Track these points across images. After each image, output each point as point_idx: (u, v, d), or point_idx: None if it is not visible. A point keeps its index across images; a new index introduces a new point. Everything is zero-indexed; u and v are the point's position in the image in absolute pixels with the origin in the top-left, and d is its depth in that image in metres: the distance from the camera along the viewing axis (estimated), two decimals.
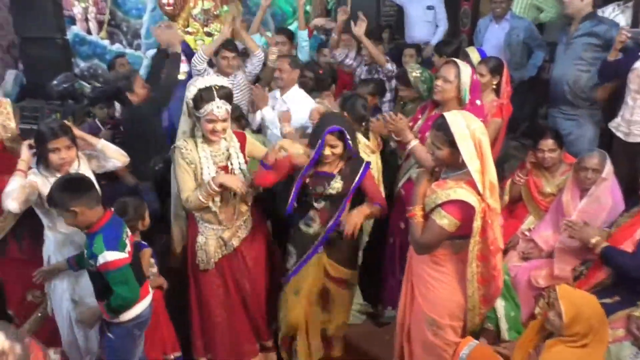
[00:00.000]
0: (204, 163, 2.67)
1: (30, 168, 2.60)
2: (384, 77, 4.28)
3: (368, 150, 3.22)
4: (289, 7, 6.48)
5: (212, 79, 2.65)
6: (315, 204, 2.78)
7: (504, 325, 2.91)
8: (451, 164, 2.24)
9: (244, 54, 4.41)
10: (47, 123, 2.65)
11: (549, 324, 2.23)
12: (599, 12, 4.17)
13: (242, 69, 4.19)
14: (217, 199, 2.70)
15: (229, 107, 2.62)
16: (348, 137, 2.66)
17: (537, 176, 3.40)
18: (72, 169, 2.64)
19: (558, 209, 3.16)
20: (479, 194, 2.14)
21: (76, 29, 6.32)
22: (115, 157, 2.86)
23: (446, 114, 2.22)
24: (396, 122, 2.97)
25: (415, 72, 3.57)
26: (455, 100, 2.99)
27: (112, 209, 2.44)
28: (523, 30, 4.85)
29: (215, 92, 2.55)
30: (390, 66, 4.28)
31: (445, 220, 2.16)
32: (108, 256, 2.21)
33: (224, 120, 2.62)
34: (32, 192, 2.53)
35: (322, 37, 6.04)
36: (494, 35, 4.97)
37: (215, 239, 2.82)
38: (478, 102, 3.00)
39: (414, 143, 2.94)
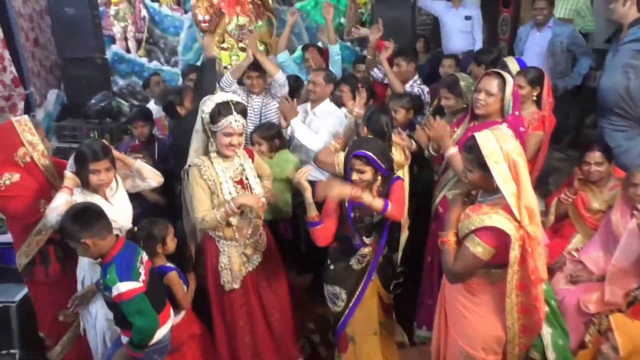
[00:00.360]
0: (222, 178, 2.69)
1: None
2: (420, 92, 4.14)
3: (395, 165, 3.10)
4: (324, 19, 6.43)
5: (228, 95, 2.73)
6: (366, 240, 2.70)
7: (551, 355, 2.67)
8: (485, 187, 2.10)
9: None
10: (88, 144, 2.68)
11: (603, 358, 2.04)
12: None
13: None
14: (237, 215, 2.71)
15: (244, 121, 2.68)
16: (377, 160, 2.55)
17: (584, 191, 3.19)
18: (111, 190, 2.72)
19: (608, 228, 2.95)
20: (516, 220, 1.99)
21: (115, 48, 6.45)
22: (151, 177, 2.92)
23: (477, 135, 2.07)
24: (439, 126, 2.86)
25: (465, 81, 3.36)
26: (497, 113, 2.86)
27: (124, 237, 2.44)
28: (567, 37, 4.67)
29: (232, 107, 2.61)
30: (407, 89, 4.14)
31: (479, 248, 2.02)
32: (122, 287, 2.19)
33: (240, 135, 2.68)
34: None
35: (357, 49, 5.97)
36: (535, 43, 4.79)
37: (238, 256, 2.80)
38: (517, 112, 2.84)
39: (453, 151, 2.83)
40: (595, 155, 3.09)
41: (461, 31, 5.54)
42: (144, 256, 2.38)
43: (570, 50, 4.69)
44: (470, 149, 2.08)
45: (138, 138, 3.99)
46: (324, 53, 4.93)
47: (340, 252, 2.76)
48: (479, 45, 5.53)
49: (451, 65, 4.59)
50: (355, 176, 2.57)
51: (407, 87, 4.13)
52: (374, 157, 2.54)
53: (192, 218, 2.73)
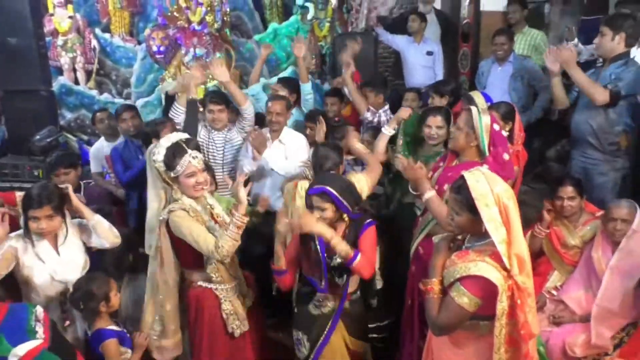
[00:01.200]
0: (206, 217, 2.52)
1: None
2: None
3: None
4: (282, 52, 6.35)
5: (174, 135, 2.54)
6: (338, 280, 2.52)
7: None
8: (473, 232, 1.99)
9: None
10: (34, 186, 2.50)
11: None
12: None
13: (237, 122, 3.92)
14: None
15: (201, 156, 2.53)
16: (338, 196, 2.40)
17: (557, 226, 3.14)
18: (60, 238, 2.53)
19: (588, 265, 2.90)
20: (505, 269, 1.85)
21: (63, 80, 6.09)
22: (106, 236, 2.63)
23: (465, 174, 1.96)
24: (415, 170, 2.72)
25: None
26: (473, 151, 2.75)
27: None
28: (527, 71, 4.75)
29: (184, 145, 2.44)
30: (369, 115, 4.16)
31: (464, 299, 1.89)
32: (19, 351, 1.94)
33: (203, 170, 2.53)
34: (10, 258, 2.41)
35: (317, 82, 5.88)
36: (498, 78, 4.83)
37: (237, 298, 2.67)
38: (506, 156, 2.69)
39: (430, 194, 2.66)
40: (568, 190, 3.06)
41: (423, 66, 5.56)
42: (39, 313, 2.10)
43: (531, 85, 4.75)
44: (459, 189, 1.96)
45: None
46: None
47: (304, 295, 2.61)
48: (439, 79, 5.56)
49: (414, 98, 4.55)
50: (316, 214, 2.41)
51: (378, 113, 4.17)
52: (335, 192, 2.38)
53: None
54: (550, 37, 5.67)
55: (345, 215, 2.51)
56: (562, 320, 2.89)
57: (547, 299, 3.03)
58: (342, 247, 2.38)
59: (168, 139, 2.49)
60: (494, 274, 1.84)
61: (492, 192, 1.86)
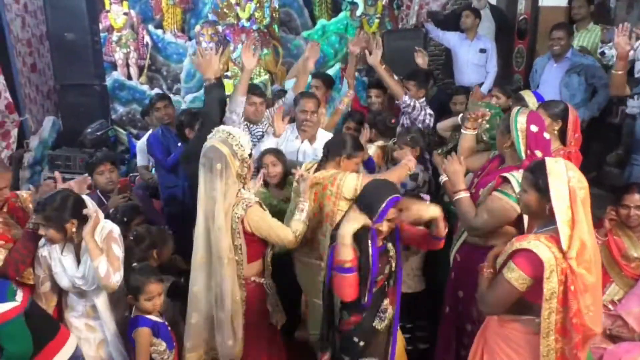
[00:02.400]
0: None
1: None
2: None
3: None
4: (330, 49, 6.28)
5: (229, 128, 2.58)
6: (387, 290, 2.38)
7: None
8: (538, 214, 2.00)
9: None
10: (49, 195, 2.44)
11: None
12: None
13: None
14: None
15: None
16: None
17: (617, 236, 2.92)
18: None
19: None
20: (561, 251, 1.82)
21: (116, 74, 6.29)
22: (99, 279, 2.40)
23: (547, 158, 2.00)
24: (453, 162, 2.62)
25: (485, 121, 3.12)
26: (510, 153, 2.60)
27: None
28: (586, 68, 4.41)
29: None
30: (407, 99, 3.84)
31: (514, 274, 1.89)
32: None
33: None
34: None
35: (365, 79, 5.78)
36: (552, 76, 4.55)
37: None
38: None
39: (462, 195, 2.56)
40: (635, 198, 2.81)
41: (475, 64, 5.33)
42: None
43: (589, 83, 4.43)
44: (533, 168, 2.01)
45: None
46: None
47: (366, 319, 2.32)
48: (490, 78, 5.34)
49: (463, 101, 4.34)
50: (386, 227, 2.26)
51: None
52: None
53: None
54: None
55: None
56: (619, 336, 2.68)
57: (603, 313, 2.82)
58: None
59: (232, 128, 2.56)
60: (544, 251, 1.84)
61: (567, 174, 1.89)
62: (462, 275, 2.75)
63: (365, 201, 2.25)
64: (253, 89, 3.73)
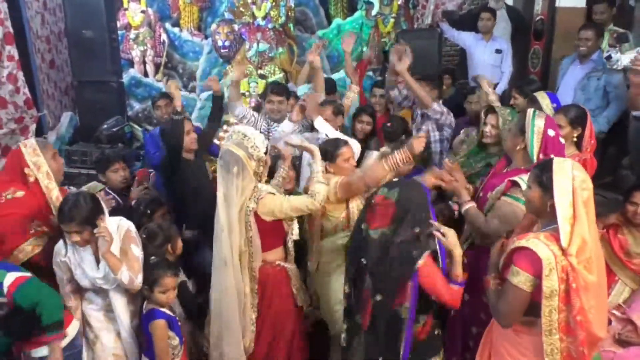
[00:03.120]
0: None
1: None
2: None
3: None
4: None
5: (242, 127, 2.72)
6: None
7: None
8: (540, 211, 2.00)
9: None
10: (69, 200, 2.46)
11: None
12: None
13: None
14: None
15: None
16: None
17: (622, 234, 2.90)
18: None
19: None
20: (561, 248, 1.82)
21: (133, 72, 6.36)
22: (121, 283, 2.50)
23: (555, 158, 2.04)
24: (452, 181, 2.68)
25: (505, 114, 3.10)
26: (521, 155, 2.59)
27: None
28: (606, 72, 4.27)
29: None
30: (437, 107, 3.86)
31: (519, 277, 1.89)
32: (10, 277, 2.21)
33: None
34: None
35: (379, 79, 5.78)
36: (573, 78, 4.43)
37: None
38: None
39: (468, 206, 2.62)
40: None
41: (490, 64, 5.30)
42: None
43: (607, 92, 4.27)
44: (540, 166, 2.03)
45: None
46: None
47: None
48: (505, 78, 5.30)
49: (477, 101, 4.33)
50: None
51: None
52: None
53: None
54: (635, 36, 5.21)
55: None
56: (629, 341, 2.65)
57: (611, 317, 2.79)
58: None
59: (247, 129, 2.64)
60: (542, 249, 1.84)
61: (572, 172, 1.90)
62: (468, 277, 2.74)
63: (417, 216, 2.12)
64: (272, 88, 3.76)
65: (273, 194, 2.62)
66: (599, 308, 1.88)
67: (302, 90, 4.72)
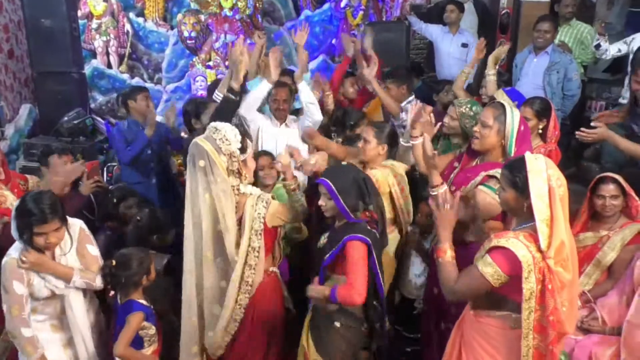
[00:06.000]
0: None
1: None
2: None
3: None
4: (314, 40, 6.23)
5: (220, 124, 2.48)
6: None
7: None
8: (516, 211, 1.99)
9: None
10: (35, 200, 2.23)
11: None
12: None
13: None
14: None
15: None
16: (337, 194, 2.30)
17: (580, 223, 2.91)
18: (61, 250, 2.37)
19: (628, 275, 2.68)
20: (540, 250, 1.82)
21: (96, 63, 6.17)
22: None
23: (526, 154, 1.96)
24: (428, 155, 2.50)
25: (463, 108, 3.08)
26: (497, 151, 2.57)
27: None
28: (564, 67, 4.43)
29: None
30: (404, 115, 3.78)
31: (489, 269, 1.90)
32: None
33: None
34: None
35: (349, 71, 5.73)
36: (532, 70, 4.56)
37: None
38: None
39: (442, 189, 2.39)
40: (610, 188, 2.80)
41: (456, 58, 5.32)
42: None
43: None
44: (510, 165, 2.01)
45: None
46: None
47: None
48: (471, 76, 5.32)
49: (446, 94, 4.33)
50: (322, 201, 2.38)
51: (403, 105, 3.94)
52: (334, 188, 2.30)
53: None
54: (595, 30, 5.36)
55: None
56: (591, 329, 2.70)
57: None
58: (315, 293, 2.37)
59: (219, 123, 2.43)
60: (521, 251, 1.84)
61: (546, 171, 1.87)
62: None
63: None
64: (277, 83, 3.62)
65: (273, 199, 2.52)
66: (571, 302, 1.90)
67: (253, 84, 4.51)
